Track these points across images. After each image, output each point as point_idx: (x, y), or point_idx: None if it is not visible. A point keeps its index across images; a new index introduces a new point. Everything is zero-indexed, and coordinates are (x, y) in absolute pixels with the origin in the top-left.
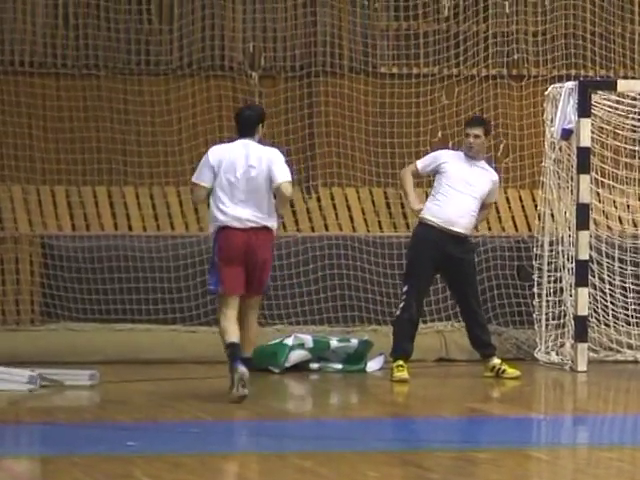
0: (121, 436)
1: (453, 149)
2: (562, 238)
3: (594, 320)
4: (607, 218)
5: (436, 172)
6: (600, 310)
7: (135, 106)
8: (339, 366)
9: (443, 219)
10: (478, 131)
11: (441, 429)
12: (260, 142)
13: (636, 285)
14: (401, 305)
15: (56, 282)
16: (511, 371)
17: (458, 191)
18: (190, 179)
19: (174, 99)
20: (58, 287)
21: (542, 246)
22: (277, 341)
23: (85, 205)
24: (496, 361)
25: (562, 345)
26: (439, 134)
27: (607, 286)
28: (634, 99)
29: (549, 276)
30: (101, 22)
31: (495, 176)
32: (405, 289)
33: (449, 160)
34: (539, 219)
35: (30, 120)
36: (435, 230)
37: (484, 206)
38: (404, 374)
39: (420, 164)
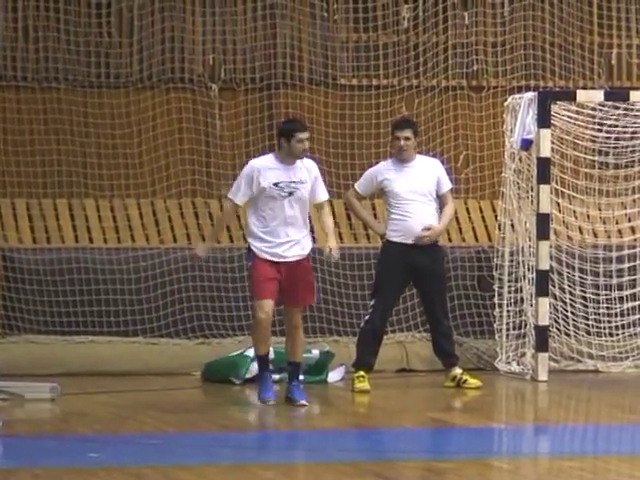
0: (83, 448)
1: (383, 159)
2: (522, 248)
3: (555, 330)
4: (567, 228)
5: (381, 191)
6: (561, 320)
7: (95, 119)
8: (300, 377)
9: (406, 235)
10: (408, 133)
11: (403, 439)
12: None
13: (596, 295)
14: (366, 318)
15: (17, 295)
16: (472, 381)
17: (409, 202)
18: (151, 190)
19: (134, 111)
20: (19, 300)
21: (502, 256)
22: (238, 352)
23: (46, 217)
24: (457, 371)
25: (523, 355)
26: None
27: (567, 296)
28: (593, 109)
29: (509, 286)
30: (61, 35)
31: (436, 162)
32: (372, 303)
33: (385, 175)
34: (499, 229)
35: None
36: (401, 246)
37: (444, 200)
38: (365, 385)
39: (359, 188)
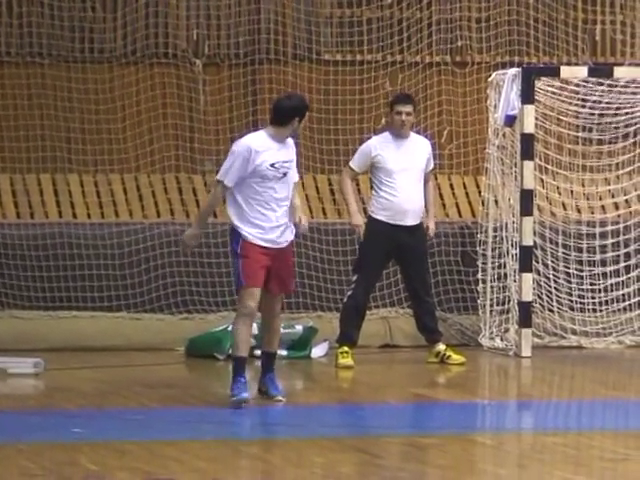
0: (67, 423)
1: (375, 133)
2: (506, 224)
3: (538, 306)
4: (551, 204)
5: (371, 166)
6: (544, 296)
7: (79, 94)
8: (284, 352)
9: (393, 214)
10: (409, 108)
11: (387, 415)
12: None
13: (580, 271)
14: (348, 293)
15: (0, 270)
16: (456, 357)
17: (400, 180)
18: (135, 166)
19: (118, 87)
20: (2, 275)
21: (486, 232)
22: (222, 328)
23: (29, 193)
24: (441, 347)
25: (506, 331)
26: (383, 121)
27: (551, 272)
28: (577, 85)
29: (493, 262)
30: (45, 10)
31: (428, 143)
32: (355, 278)
33: (380, 151)
34: (483, 205)
35: None
36: (386, 225)
37: (425, 179)
38: (349, 361)
39: (354, 165)
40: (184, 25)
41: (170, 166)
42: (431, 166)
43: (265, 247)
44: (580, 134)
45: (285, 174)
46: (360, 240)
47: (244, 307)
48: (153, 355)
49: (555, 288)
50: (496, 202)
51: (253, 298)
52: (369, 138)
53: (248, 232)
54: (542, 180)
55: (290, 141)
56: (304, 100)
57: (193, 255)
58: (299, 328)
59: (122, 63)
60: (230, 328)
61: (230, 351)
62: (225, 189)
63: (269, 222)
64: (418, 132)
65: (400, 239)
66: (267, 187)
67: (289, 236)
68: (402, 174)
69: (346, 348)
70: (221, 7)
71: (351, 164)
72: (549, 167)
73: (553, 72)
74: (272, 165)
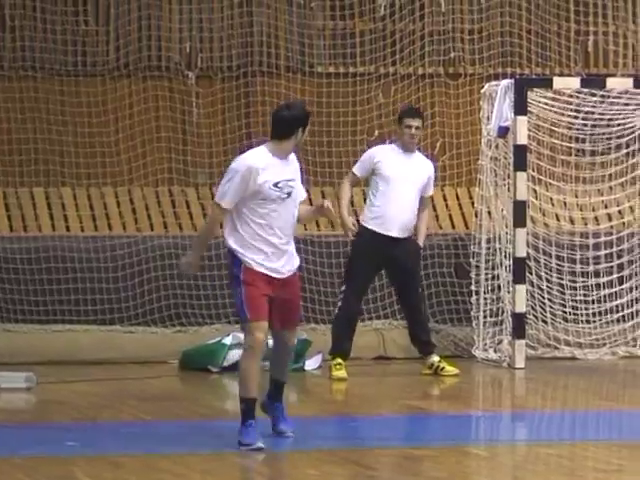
0: (61, 436)
1: (385, 142)
2: (499, 235)
3: (532, 317)
4: (544, 215)
5: (372, 173)
6: (538, 307)
7: (72, 107)
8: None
9: (384, 225)
10: (418, 122)
11: (380, 427)
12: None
13: (573, 282)
14: (339, 304)
15: None
16: (450, 369)
17: (396, 190)
18: (128, 179)
19: (111, 100)
20: None
21: (479, 244)
22: (215, 340)
23: (23, 206)
24: (435, 358)
25: (500, 342)
26: (376, 133)
27: (544, 283)
28: (570, 96)
29: (486, 273)
30: (37, 23)
31: (431, 166)
32: (343, 288)
33: (383, 158)
34: (476, 217)
35: None
36: (376, 235)
37: (422, 202)
38: (342, 373)
39: (357, 170)
40: (177, 38)
41: (163, 179)
42: (430, 191)
43: (268, 276)
44: (573, 145)
45: (289, 194)
46: (350, 246)
47: (251, 341)
48: (147, 368)
49: (548, 299)
50: (489, 213)
51: (260, 330)
52: (362, 151)
53: (250, 259)
54: (535, 191)
55: (293, 157)
56: (304, 107)
57: None
58: None
59: (115, 76)
60: (224, 340)
61: (224, 364)
62: (224, 212)
63: (272, 248)
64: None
65: (388, 250)
66: (270, 209)
67: (295, 264)
68: (399, 184)
69: (339, 360)
70: (214, 20)
71: (354, 169)
72: (542, 178)
73: (546, 83)
74: (275, 185)
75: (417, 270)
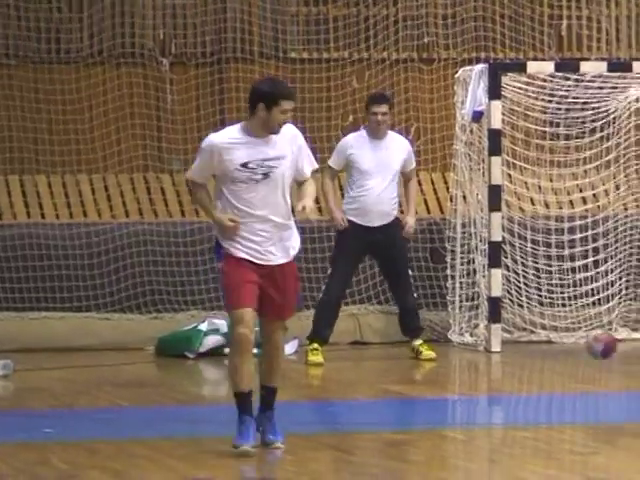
0: (37, 423)
1: (342, 131)
2: (474, 220)
3: (507, 301)
4: (519, 199)
5: (346, 164)
6: (513, 291)
7: (46, 95)
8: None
9: (362, 216)
10: (385, 108)
11: (358, 411)
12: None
13: (548, 266)
14: (323, 288)
15: None
16: (426, 353)
17: (371, 181)
18: (102, 166)
19: (85, 87)
20: None
21: (454, 228)
22: (192, 326)
23: None
24: (416, 342)
25: (476, 326)
26: (350, 118)
27: (520, 267)
28: (544, 81)
29: (462, 258)
30: (11, 11)
31: (406, 143)
32: (329, 272)
33: (355, 149)
34: (451, 201)
35: None
36: (356, 225)
37: (407, 177)
38: (319, 358)
39: (333, 163)
40: (150, 24)
41: (138, 166)
42: (412, 165)
43: (252, 262)
44: (547, 129)
45: (266, 175)
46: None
47: (235, 336)
48: (123, 354)
49: (524, 283)
50: (464, 198)
51: (243, 322)
52: (337, 136)
53: (230, 244)
54: (510, 176)
55: (283, 135)
56: (276, 85)
57: (162, 254)
58: None
59: (89, 63)
60: (200, 326)
61: (200, 350)
62: (196, 186)
63: (255, 234)
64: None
65: (371, 238)
66: (245, 191)
67: (290, 252)
68: (374, 175)
69: (316, 345)
70: (187, 6)
71: (329, 162)
72: (517, 162)
73: (520, 68)
74: (244, 165)
75: (403, 255)
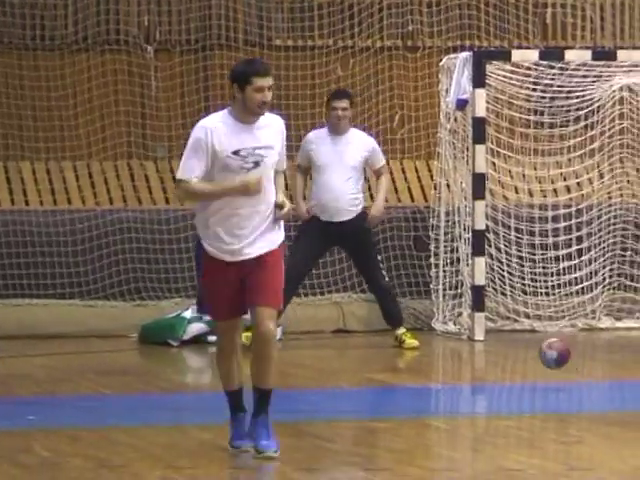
0: (20, 410)
1: (319, 126)
2: (458, 208)
3: (491, 289)
4: (503, 188)
5: (308, 161)
6: (497, 279)
7: (30, 81)
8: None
9: (322, 211)
10: (345, 103)
11: (340, 400)
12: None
13: (532, 254)
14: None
15: None
16: (409, 341)
17: (327, 178)
18: (87, 153)
19: (69, 74)
20: None
21: (438, 216)
22: (175, 314)
23: None
24: (399, 331)
25: (459, 315)
26: None
27: (504, 255)
28: (528, 69)
29: (446, 246)
30: None
31: (369, 140)
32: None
33: (315, 145)
34: (435, 189)
35: None
36: (319, 220)
37: (377, 174)
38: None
39: (300, 159)
40: (135, 11)
41: (122, 153)
42: (380, 162)
43: (230, 262)
44: (532, 118)
45: (257, 163)
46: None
47: (218, 342)
48: (107, 342)
49: (508, 272)
50: (448, 186)
51: (224, 331)
52: (321, 124)
53: (209, 242)
54: (494, 164)
55: (269, 121)
56: (248, 63)
57: (146, 242)
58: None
59: (73, 50)
60: (184, 314)
61: (184, 337)
62: (189, 184)
63: (237, 229)
64: (364, 129)
65: (336, 233)
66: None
67: (273, 243)
68: (330, 171)
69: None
70: None
71: (298, 159)
72: (501, 151)
73: (504, 56)
74: (235, 153)
75: (368, 243)
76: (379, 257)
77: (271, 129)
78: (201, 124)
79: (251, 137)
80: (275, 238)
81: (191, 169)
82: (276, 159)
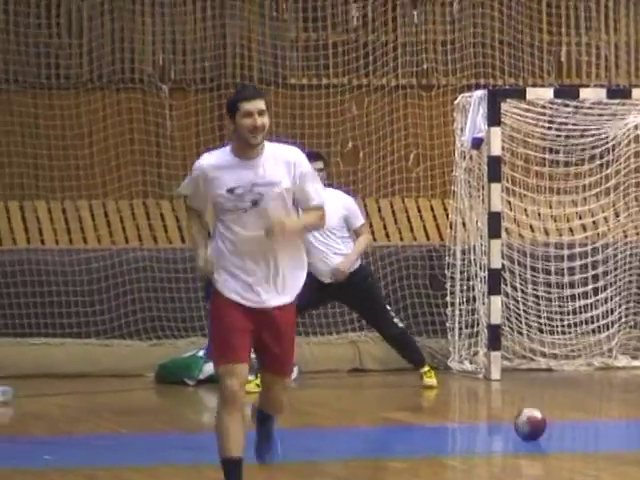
0: (37, 450)
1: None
2: (474, 247)
3: (507, 328)
4: (519, 226)
5: None
6: (513, 318)
7: (46, 120)
8: (252, 377)
9: (313, 271)
10: (319, 165)
11: (357, 439)
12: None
13: (548, 293)
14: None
15: None
16: (426, 380)
17: (311, 236)
18: (102, 192)
19: (85, 112)
20: None
21: (454, 255)
22: (191, 353)
23: None
24: (421, 370)
25: (475, 354)
26: (349, 145)
27: (519, 294)
28: (543, 107)
29: (461, 285)
30: (10, 36)
31: (347, 199)
32: None
33: None
34: (451, 228)
35: None
36: (313, 278)
37: (357, 233)
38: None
39: None
40: (150, 50)
41: (138, 192)
42: (359, 222)
43: (243, 305)
44: (547, 156)
45: (256, 202)
46: None
47: (222, 392)
48: (123, 381)
49: (524, 310)
50: (464, 225)
51: (232, 375)
52: (336, 163)
53: (222, 282)
54: (509, 202)
55: (278, 151)
56: (236, 91)
57: (162, 281)
58: None
59: (88, 89)
60: (200, 353)
61: (200, 377)
62: (189, 210)
63: (246, 273)
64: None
65: (333, 291)
66: (233, 222)
67: (288, 296)
68: (311, 233)
69: None
70: (187, 32)
71: None
72: (516, 189)
73: (519, 94)
74: (230, 191)
75: (370, 301)
76: (387, 305)
77: (276, 162)
78: (197, 163)
79: (249, 173)
80: (291, 293)
81: (184, 187)
82: (283, 196)
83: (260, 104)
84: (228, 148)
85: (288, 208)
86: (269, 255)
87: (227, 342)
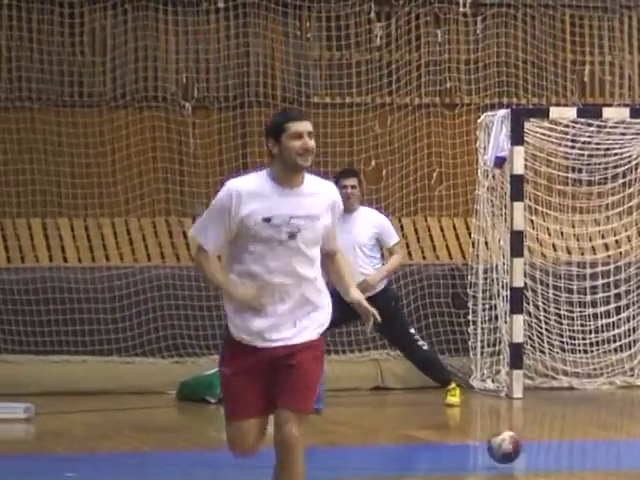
0: (59, 467)
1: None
2: (496, 266)
3: (529, 347)
4: (541, 245)
5: None
6: (535, 337)
7: (69, 138)
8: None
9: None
10: (354, 182)
11: (379, 457)
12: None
13: (570, 312)
14: None
15: None
16: (449, 398)
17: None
18: (125, 209)
19: (108, 130)
20: None
21: (476, 274)
22: (213, 371)
23: (20, 237)
24: (448, 387)
25: (497, 372)
26: (372, 163)
27: (542, 313)
28: (566, 126)
29: (484, 304)
30: (34, 54)
31: (380, 217)
32: None
33: None
34: (473, 247)
35: None
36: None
37: (390, 252)
38: None
39: None
40: (173, 68)
41: (160, 209)
42: (393, 240)
43: (255, 346)
44: (570, 175)
45: (293, 235)
46: None
47: (230, 447)
48: (144, 399)
49: (546, 329)
50: (486, 244)
51: (240, 435)
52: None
53: (233, 321)
54: (532, 221)
55: (319, 188)
56: (280, 113)
57: (184, 299)
58: None
59: (112, 107)
60: None
61: (222, 395)
62: (205, 254)
63: (266, 314)
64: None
65: (354, 309)
66: (264, 255)
67: (310, 333)
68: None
69: None
70: (210, 50)
71: None
72: (539, 208)
73: (542, 113)
74: (267, 220)
75: (393, 323)
76: (410, 329)
77: (318, 198)
78: (228, 185)
79: (289, 203)
80: (315, 328)
81: (204, 234)
82: (320, 232)
83: (308, 126)
84: (265, 173)
85: (319, 245)
86: (294, 290)
87: (236, 399)
